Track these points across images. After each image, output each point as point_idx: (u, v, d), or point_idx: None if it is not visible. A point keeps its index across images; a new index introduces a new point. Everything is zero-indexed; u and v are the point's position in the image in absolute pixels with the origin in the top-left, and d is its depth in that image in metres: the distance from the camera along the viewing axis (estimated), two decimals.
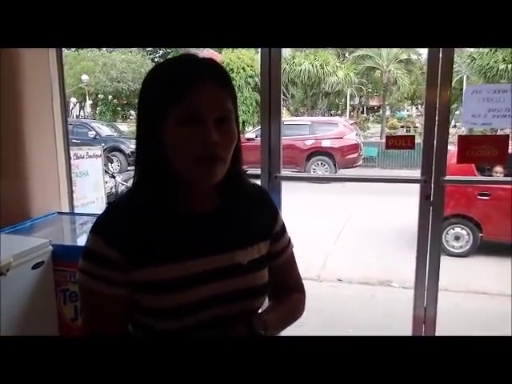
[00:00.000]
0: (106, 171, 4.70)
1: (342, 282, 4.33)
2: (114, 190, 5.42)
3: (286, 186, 2.35)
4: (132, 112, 17.70)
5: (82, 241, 2.04)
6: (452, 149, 2.17)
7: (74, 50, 17.98)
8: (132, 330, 0.83)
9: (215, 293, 0.79)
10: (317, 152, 10.12)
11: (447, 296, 3.19)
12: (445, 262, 2.22)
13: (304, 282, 0.98)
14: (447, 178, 2.09)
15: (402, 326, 2.46)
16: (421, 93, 16.31)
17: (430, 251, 2.14)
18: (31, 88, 2.26)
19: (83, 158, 3.79)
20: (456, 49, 1.98)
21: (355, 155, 10.33)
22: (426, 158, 2.07)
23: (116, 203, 0.85)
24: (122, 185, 5.53)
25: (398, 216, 6.00)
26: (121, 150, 10.55)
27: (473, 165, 3.97)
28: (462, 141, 2.06)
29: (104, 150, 4.88)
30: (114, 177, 5.60)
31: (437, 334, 2.23)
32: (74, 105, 18.28)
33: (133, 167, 0.84)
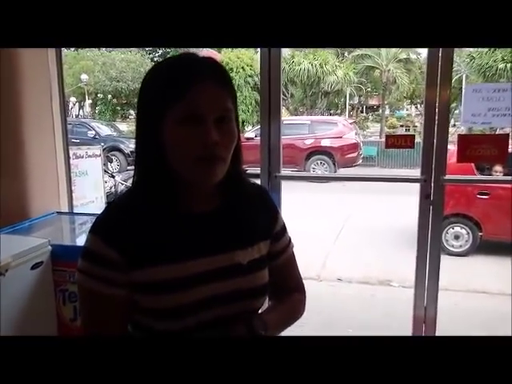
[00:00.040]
0: (105, 171, 4.70)
1: (342, 281, 4.33)
2: (113, 190, 5.42)
3: (285, 186, 2.35)
4: (131, 111, 17.69)
5: (81, 241, 2.03)
6: (451, 148, 2.17)
7: (73, 49, 17.97)
8: (131, 330, 0.83)
9: (215, 293, 0.79)
10: (316, 151, 10.13)
11: (447, 295, 3.19)
12: (444, 261, 2.21)
13: (304, 281, 0.98)
14: (447, 177, 2.09)
15: (401, 325, 2.46)
16: (420, 92, 16.32)
17: (430, 250, 2.14)
18: (30, 87, 2.25)
19: (82, 157, 3.79)
20: (455, 48, 1.99)
21: (355, 154, 10.33)
22: (425, 157, 2.07)
23: (115, 203, 0.84)
24: (122, 184, 5.53)
25: (398, 215, 6.00)
26: (120, 150, 10.54)
27: (472, 164, 3.97)
28: (462, 140, 2.06)
29: (103, 150, 4.88)
30: (113, 176, 5.60)
31: (437, 333, 2.23)
32: (74, 104, 18.26)
33: (132, 167, 0.83)
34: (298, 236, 0.98)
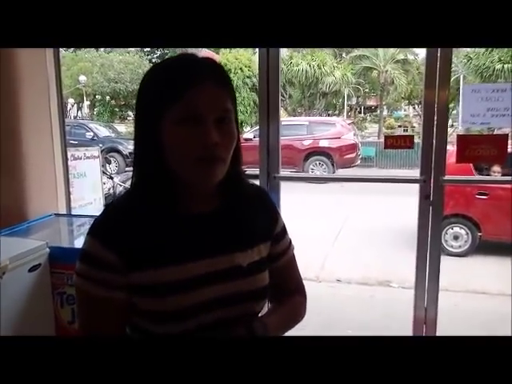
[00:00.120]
0: (103, 172, 4.69)
1: (341, 282, 4.33)
2: (111, 191, 5.41)
3: (283, 186, 2.35)
4: (130, 113, 17.68)
5: (79, 243, 2.02)
6: (450, 148, 2.16)
7: (71, 51, 17.96)
8: (130, 333, 0.82)
9: (216, 295, 0.78)
10: (315, 152, 10.13)
11: (447, 296, 3.18)
12: (443, 261, 2.21)
13: (303, 282, 0.97)
14: (447, 177, 2.09)
15: (402, 326, 2.45)
16: (418, 93, 16.36)
17: (429, 251, 2.14)
18: (28, 88, 2.24)
19: (81, 159, 3.78)
20: (453, 49, 1.99)
21: (353, 155, 10.34)
22: (425, 157, 2.07)
23: (114, 205, 0.84)
24: (120, 186, 5.51)
25: (397, 216, 6.00)
26: (119, 151, 10.53)
27: (471, 164, 3.97)
28: (461, 140, 2.06)
29: (102, 151, 4.87)
30: (111, 178, 5.58)
31: (437, 334, 2.22)
32: (72, 106, 18.24)
33: (131, 168, 0.82)
34: (296, 237, 0.97)
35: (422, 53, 15.93)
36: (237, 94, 0.83)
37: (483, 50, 13.29)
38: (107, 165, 6.30)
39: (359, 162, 10.73)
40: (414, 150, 2.48)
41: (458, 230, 5.00)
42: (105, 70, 16.43)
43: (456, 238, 5.01)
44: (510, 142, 2.15)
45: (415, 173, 2.17)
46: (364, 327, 3.06)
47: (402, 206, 5.84)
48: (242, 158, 0.82)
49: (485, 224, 4.87)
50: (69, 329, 1.88)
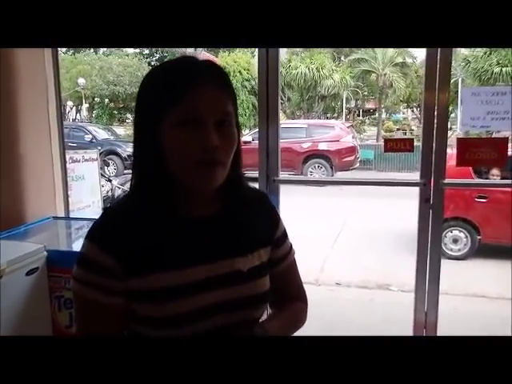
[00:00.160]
0: (102, 175, 4.67)
1: (341, 285, 4.31)
2: (110, 194, 5.39)
3: (282, 189, 2.34)
4: (128, 115, 17.67)
5: (77, 246, 2.01)
6: (449, 151, 2.16)
7: (70, 54, 17.97)
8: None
9: (216, 301, 0.77)
10: (314, 155, 10.13)
11: (446, 299, 3.17)
12: (443, 264, 2.20)
13: (304, 287, 0.95)
14: (447, 181, 2.08)
15: (402, 330, 2.44)
16: (416, 96, 16.41)
17: (430, 254, 2.13)
18: (26, 90, 2.23)
19: (79, 161, 3.77)
20: (451, 52, 1.99)
21: (352, 158, 10.35)
22: (425, 160, 2.06)
23: (112, 208, 0.83)
24: (119, 188, 5.50)
25: (396, 219, 5.99)
26: (117, 154, 10.52)
27: (470, 167, 3.97)
28: (461, 143, 2.06)
29: (100, 154, 4.86)
30: (110, 180, 5.56)
31: None
32: (71, 108, 18.24)
33: (129, 171, 0.82)
34: (295, 240, 0.96)
35: (420, 56, 16.01)
36: None
37: (481, 53, 13.34)
38: (106, 167, 6.29)
39: (358, 164, 10.74)
40: (412, 153, 2.48)
41: (457, 233, 4.99)
42: (104, 73, 16.44)
43: (455, 241, 5.01)
44: (510, 145, 2.14)
45: (414, 176, 2.16)
46: (364, 331, 3.04)
47: (400, 208, 5.83)
48: (242, 162, 0.81)
49: (484, 227, 4.87)
50: (66, 333, 1.87)
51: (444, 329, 2.26)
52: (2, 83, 2.12)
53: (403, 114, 20.12)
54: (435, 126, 2.02)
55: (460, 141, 2.09)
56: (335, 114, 17.93)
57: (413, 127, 17.14)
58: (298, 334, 0.90)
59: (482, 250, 4.96)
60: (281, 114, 2.33)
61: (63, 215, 2.49)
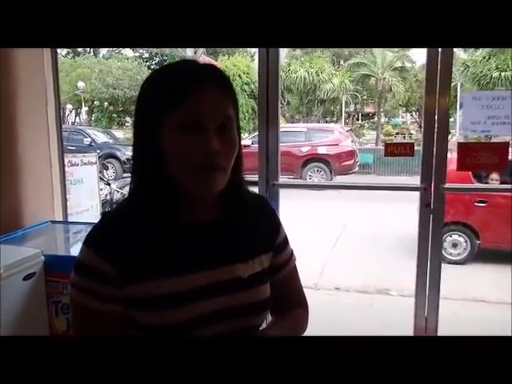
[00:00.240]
0: (101, 178, 4.66)
1: (340, 290, 4.29)
2: (109, 198, 5.38)
3: (281, 193, 2.33)
4: (128, 119, 17.68)
5: (75, 250, 2.00)
6: (448, 155, 2.15)
7: (70, 57, 18.00)
8: None
9: (216, 308, 0.75)
10: (313, 159, 10.13)
11: (446, 304, 3.16)
12: (442, 269, 2.19)
13: (305, 294, 0.94)
14: (447, 185, 2.07)
15: (402, 335, 2.42)
16: (415, 100, 16.45)
17: (430, 259, 2.12)
18: (25, 92, 2.23)
19: (78, 165, 3.76)
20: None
21: (351, 162, 10.35)
22: (425, 165, 2.06)
23: (111, 213, 0.81)
24: (117, 192, 5.49)
25: (395, 223, 5.99)
26: (116, 157, 10.51)
27: (469, 172, 3.96)
28: (462, 148, 2.05)
29: (99, 157, 4.85)
30: (109, 184, 5.55)
31: None
32: (70, 111, 18.24)
33: (128, 174, 0.80)
34: (295, 244, 0.95)
35: (419, 60, 16.07)
36: None
37: (480, 57, 13.39)
38: (105, 171, 6.28)
39: (357, 168, 10.74)
40: (412, 157, 2.47)
41: (456, 237, 4.98)
42: (103, 76, 16.45)
43: (455, 245, 5.00)
44: (510, 149, 2.14)
45: (414, 180, 2.16)
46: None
47: (400, 213, 5.84)
48: (243, 166, 0.80)
49: (484, 232, 4.86)
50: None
51: (444, 334, 2.25)
52: (0, 85, 2.11)
53: (402, 118, 20.17)
54: (436, 130, 2.02)
55: (461, 145, 2.09)
56: (334, 118, 17.96)
57: (412, 131, 17.17)
58: None
59: (481, 255, 4.95)
60: (280, 118, 2.33)
61: (61, 219, 2.47)
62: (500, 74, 12.95)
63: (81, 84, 15.99)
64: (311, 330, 0.91)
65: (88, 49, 19.99)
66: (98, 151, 7.95)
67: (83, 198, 3.76)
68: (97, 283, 0.72)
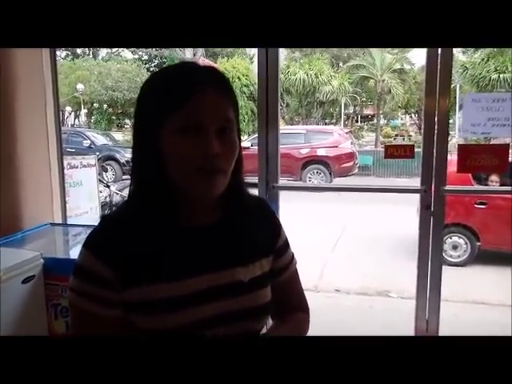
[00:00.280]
0: (100, 180, 4.65)
1: (340, 292, 4.28)
2: (108, 200, 5.37)
3: (280, 195, 2.32)
4: (127, 121, 17.69)
5: (74, 253, 1.99)
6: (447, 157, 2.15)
7: (69, 59, 18.00)
8: None
9: (217, 312, 0.75)
10: (312, 161, 10.13)
11: (446, 306, 3.15)
12: (443, 271, 2.19)
13: (306, 297, 0.93)
14: (447, 187, 2.07)
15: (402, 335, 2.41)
16: (414, 102, 16.46)
17: (431, 261, 2.11)
18: (24, 94, 2.22)
19: (77, 167, 3.75)
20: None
21: (351, 164, 10.35)
22: (425, 167, 2.05)
23: (110, 216, 0.81)
24: (117, 194, 5.48)
25: (395, 224, 5.98)
26: (116, 159, 10.51)
27: (469, 174, 3.96)
28: (462, 150, 2.05)
29: (99, 159, 4.85)
30: (108, 186, 5.54)
31: None
32: (70, 114, 18.24)
33: (128, 176, 0.80)
34: (294, 246, 0.94)
35: (418, 62, 16.10)
36: None
37: (479, 59, 13.40)
38: (104, 173, 6.27)
39: (356, 170, 10.74)
40: (411, 159, 2.47)
41: (456, 239, 4.98)
42: (102, 79, 16.47)
43: (455, 247, 4.99)
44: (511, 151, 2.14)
45: (413, 182, 2.16)
46: None
47: (399, 214, 5.83)
48: (243, 169, 0.80)
49: (484, 233, 4.85)
50: None
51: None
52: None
53: (401, 119, 20.19)
54: (436, 132, 2.01)
55: (461, 147, 2.09)
56: (334, 120, 17.98)
57: (411, 133, 17.19)
58: None
59: (481, 257, 4.95)
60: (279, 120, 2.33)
61: (61, 221, 2.47)
62: (499, 76, 12.96)
63: (80, 86, 16.00)
64: (312, 333, 0.91)
65: (87, 51, 20.03)
66: (98, 153, 7.96)
67: (82, 200, 3.75)
68: (96, 287, 0.72)
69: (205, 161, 0.70)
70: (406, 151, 2.09)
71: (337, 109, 17.69)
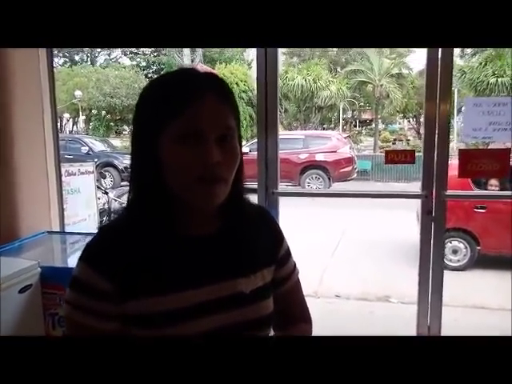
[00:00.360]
0: (98, 187, 4.63)
1: (340, 298, 4.26)
2: (106, 206, 5.34)
3: (279, 200, 2.31)
4: (125, 127, 17.69)
5: (72, 262, 1.97)
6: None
7: (67, 66, 18.02)
8: None
9: (217, 325, 0.73)
10: (311, 166, 10.13)
11: (447, 311, 3.13)
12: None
13: (308, 307, 0.91)
14: (448, 192, 2.06)
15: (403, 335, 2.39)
16: (412, 106, 16.52)
17: (432, 267, 2.10)
18: (21, 101, 2.20)
19: (75, 174, 3.73)
20: None
21: (349, 168, 10.35)
22: (426, 172, 2.04)
23: (108, 226, 0.79)
24: (115, 201, 5.45)
25: (394, 229, 5.96)
26: (114, 166, 10.50)
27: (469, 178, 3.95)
28: (463, 155, 2.04)
29: (97, 166, 4.83)
30: (106, 193, 5.51)
31: None
32: (68, 120, 18.24)
33: (126, 183, 0.78)
34: (294, 251, 0.92)
35: (416, 67, 16.18)
36: None
37: (477, 63, 13.46)
38: (102, 179, 6.25)
39: (355, 175, 10.74)
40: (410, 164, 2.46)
41: (456, 243, 4.96)
42: (100, 85, 16.49)
43: (455, 251, 4.97)
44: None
45: (412, 186, 2.15)
46: None
47: (398, 219, 5.82)
48: (244, 177, 0.78)
49: (484, 238, 4.84)
50: None
51: None
52: None
53: (399, 124, 20.25)
54: (436, 136, 2.00)
55: (462, 152, 2.08)
56: (332, 125, 18.02)
57: (409, 137, 17.23)
58: None
59: (481, 261, 4.93)
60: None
61: (58, 229, 2.44)
62: (497, 80, 13.01)
63: (78, 93, 16.02)
64: None
65: (85, 58, 20.06)
66: (96, 160, 7.95)
67: (80, 207, 3.72)
68: (93, 300, 0.70)
69: (204, 170, 0.68)
70: (406, 157, 2.08)
71: (335, 114, 17.74)
